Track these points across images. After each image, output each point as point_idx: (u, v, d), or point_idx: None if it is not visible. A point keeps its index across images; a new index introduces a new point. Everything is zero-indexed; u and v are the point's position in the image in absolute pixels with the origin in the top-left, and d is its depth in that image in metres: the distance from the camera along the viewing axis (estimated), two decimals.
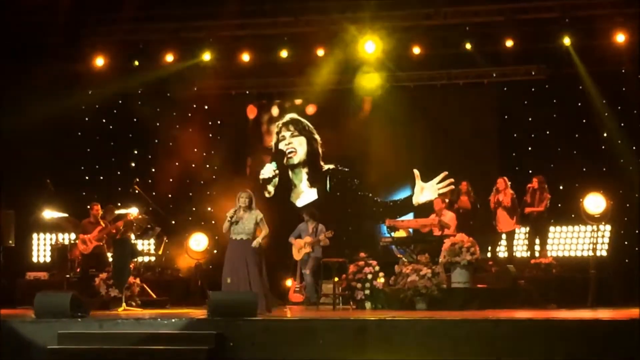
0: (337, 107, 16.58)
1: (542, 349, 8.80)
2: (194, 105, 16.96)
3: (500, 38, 15.01)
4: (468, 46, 15.10)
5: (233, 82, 16.64)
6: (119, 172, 16.65)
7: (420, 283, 11.77)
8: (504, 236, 14.56)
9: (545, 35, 15.00)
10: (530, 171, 14.81)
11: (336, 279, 12.96)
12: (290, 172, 16.74)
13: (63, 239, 15.72)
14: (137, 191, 15.30)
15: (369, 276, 12.57)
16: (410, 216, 15.25)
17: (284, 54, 15.71)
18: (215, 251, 15.53)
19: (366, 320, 9.55)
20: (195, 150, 16.89)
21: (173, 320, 9.82)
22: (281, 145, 16.77)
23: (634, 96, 14.76)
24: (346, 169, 16.45)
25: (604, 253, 14.44)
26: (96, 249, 13.88)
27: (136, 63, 15.98)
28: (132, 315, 11.32)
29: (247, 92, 16.85)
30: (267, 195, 16.63)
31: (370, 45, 15.07)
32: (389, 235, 13.92)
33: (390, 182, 16.21)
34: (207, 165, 16.90)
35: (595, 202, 12.56)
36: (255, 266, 10.96)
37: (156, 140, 16.86)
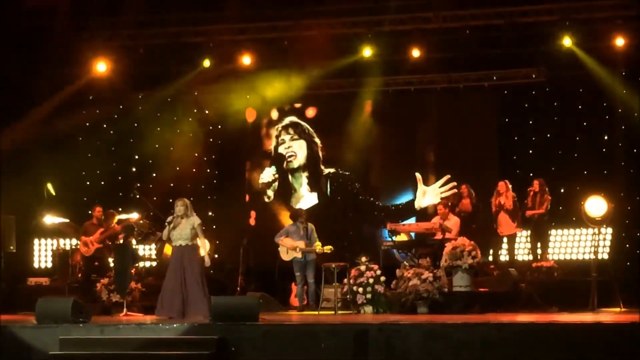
0: (338, 110, 16.55)
1: (544, 353, 8.79)
2: (194, 110, 16.96)
3: (500, 41, 15.00)
4: (468, 49, 15.08)
5: (233, 86, 16.63)
6: (119, 177, 16.63)
7: (422, 287, 11.76)
8: (505, 239, 14.55)
9: (545, 38, 15.01)
10: (531, 174, 14.78)
11: (337, 283, 12.94)
12: (290, 176, 16.68)
13: (64, 245, 15.70)
14: (137, 196, 15.27)
15: (370, 280, 12.53)
16: (412, 220, 15.20)
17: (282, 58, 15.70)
18: (215, 255, 15.49)
19: (368, 325, 9.53)
20: (196, 154, 16.88)
21: (174, 325, 9.83)
22: (281, 149, 16.71)
23: (634, 99, 14.77)
24: (347, 173, 16.39)
25: (606, 256, 14.39)
26: (97, 252, 13.88)
27: (137, 68, 15.97)
28: (133, 320, 11.32)
29: (247, 96, 16.81)
30: (266, 199, 16.60)
31: (368, 50, 15.11)
32: (390, 239, 13.90)
33: (391, 186, 16.19)
34: (208, 170, 16.87)
35: (596, 205, 12.51)
36: (192, 272, 11.23)
37: (157, 145, 16.83)
